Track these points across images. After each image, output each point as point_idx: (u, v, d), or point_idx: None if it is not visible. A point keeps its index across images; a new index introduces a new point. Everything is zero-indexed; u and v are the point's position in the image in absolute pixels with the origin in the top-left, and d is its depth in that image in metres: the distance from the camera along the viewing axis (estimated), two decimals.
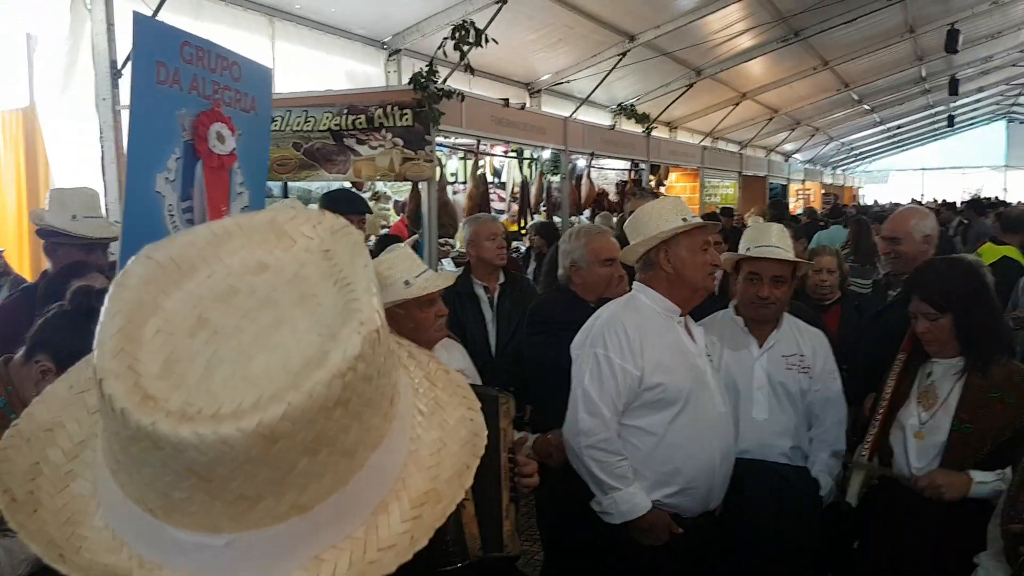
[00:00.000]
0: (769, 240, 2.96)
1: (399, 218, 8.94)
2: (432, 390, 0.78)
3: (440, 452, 0.72)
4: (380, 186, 9.43)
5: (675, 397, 2.56)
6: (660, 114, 12.84)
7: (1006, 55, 18.18)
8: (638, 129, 12.39)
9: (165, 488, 0.60)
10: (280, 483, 0.60)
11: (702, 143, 15.73)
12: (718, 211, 12.15)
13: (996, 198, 16.56)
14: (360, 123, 6.61)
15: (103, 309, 0.63)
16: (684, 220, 2.63)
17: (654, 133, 12.87)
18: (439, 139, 7.33)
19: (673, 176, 15.40)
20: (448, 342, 2.86)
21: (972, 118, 28.68)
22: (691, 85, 12.43)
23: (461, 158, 10.10)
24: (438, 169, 7.61)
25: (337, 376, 0.60)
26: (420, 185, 7.26)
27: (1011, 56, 18.48)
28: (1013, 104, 28.12)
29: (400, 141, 6.74)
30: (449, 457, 0.72)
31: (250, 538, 0.61)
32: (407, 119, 6.78)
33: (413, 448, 0.71)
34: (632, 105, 12.12)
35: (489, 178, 9.95)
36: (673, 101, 12.71)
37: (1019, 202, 15.19)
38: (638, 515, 2.53)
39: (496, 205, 10.15)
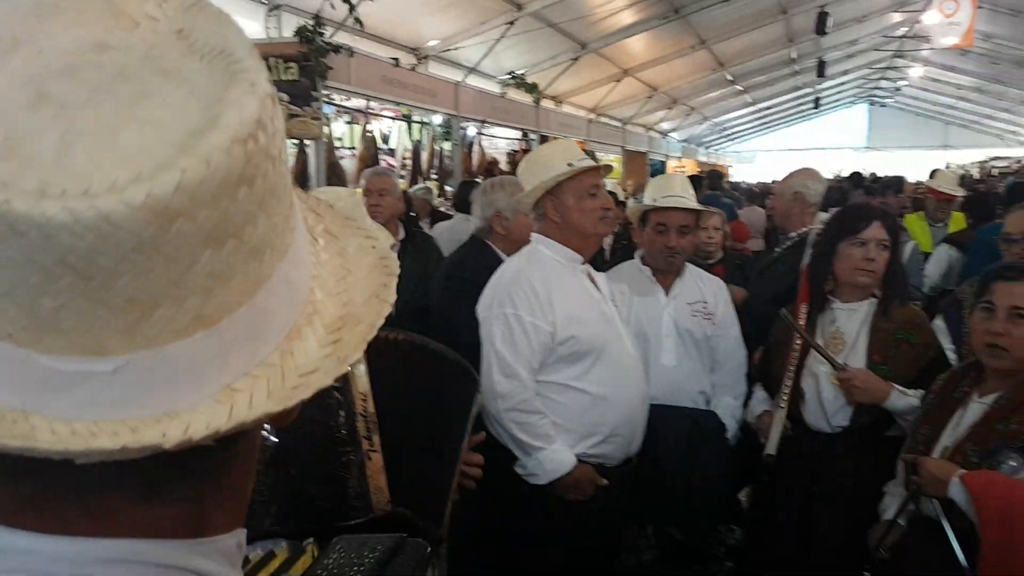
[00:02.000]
0: (674, 191, 3.04)
1: None
2: (320, 221, 0.67)
3: (346, 279, 0.62)
4: None
5: (589, 347, 2.55)
6: (548, 86, 12.94)
7: (870, 39, 19.33)
8: (528, 99, 12.44)
9: (29, 296, 0.46)
10: (179, 283, 0.47)
11: (587, 117, 15.98)
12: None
13: (873, 174, 17.85)
14: None
15: None
16: (570, 165, 2.56)
17: (543, 104, 12.97)
18: (325, 100, 7.10)
19: None
20: None
21: (837, 100, 30.41)
22: (576, 59, 12.58)
23: (348, 122, 9.84)
24: (325, 129, 7.40)
25: (236, 141, 0.48)
26: (307, 144, 7.03)
27: (874, 40, 19.65)
28: (875, 88, 29.97)
29: (284, 96, 6.50)
30: (358, 283, 0.62)
31: (146, 359, 0.48)
32: (292, 73, 6.55)
33: (315, 273, 0.61)
34: (522, 75, 12.15)
35: (378, 144, 9.74)
36: (560, 74, 12.83)
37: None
38: (564, 472, 2.49)
39: None
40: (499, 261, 3.01)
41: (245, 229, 0.50)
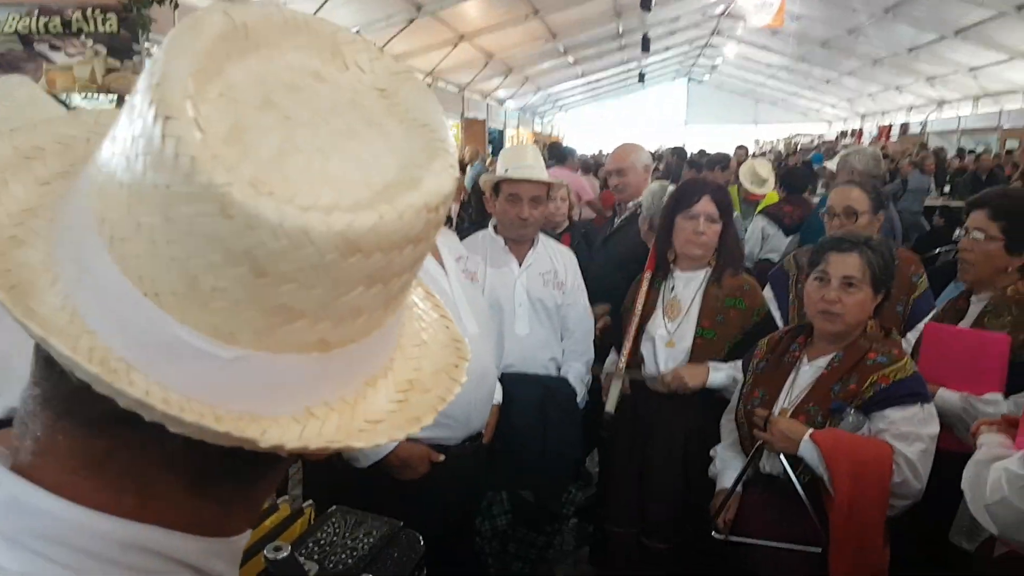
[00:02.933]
0: (526, 161, 3.06)
1: None
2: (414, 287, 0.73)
3: (420, 347, 0.66)
4: (79, 100, 8.32)
5: None
6: (382, 47, 12.63)
7: (691, 16, 20.32)
8: None
9: (199, 270, 0.48)
10: (327, 306, 0.51)
11: (425, 81, 15.80)
12: None
13: (702, 151, 18.82)
14: (54, 27, 5.77)
15: (164, 44, 0.50)
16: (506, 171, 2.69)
17: None
18: (148, 54, 6.59)
19: None
20: None
21: (659, 76, 31.83)
22: (412, 20, 12.39)
23: None
24: None
25: (427, 207, 0.52)
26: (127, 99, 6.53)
27: (694, 18, 20.68)
28: (694, 65, 31.63)
29: (103, 49, 6.01)
30: (430, 355, 0.67)
31: (263, 360, 0.51)
32: (111, 25, 6.04)
33: (401, 333, 0.65)
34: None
35: None
36: (395, 35, 12.59)
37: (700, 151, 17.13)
38: (388, 452, 2.41)
39: None
40: None
41: (392, 279, 0.54)
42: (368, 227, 0.49)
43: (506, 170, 3.04)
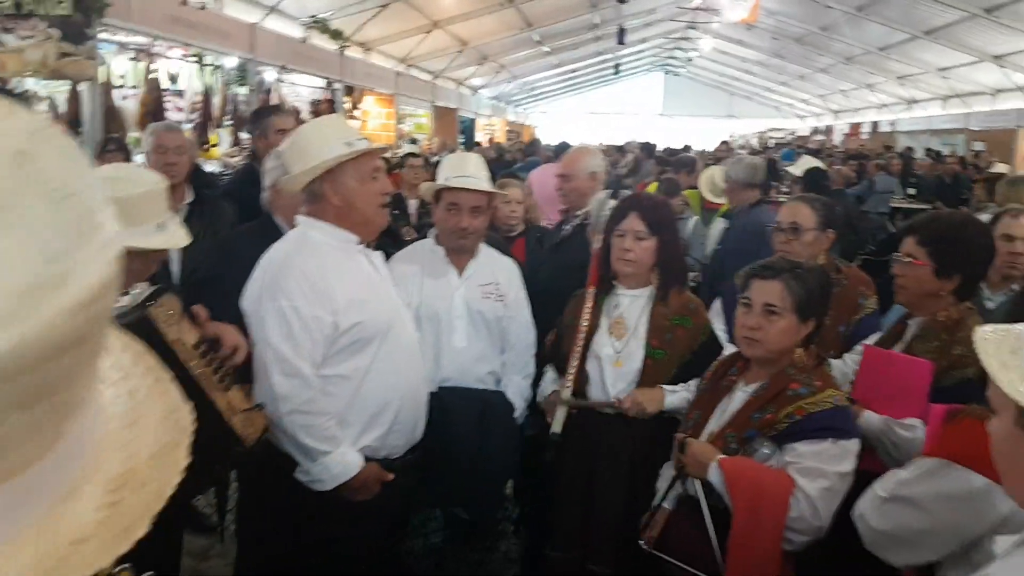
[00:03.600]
0: (467, 171, 3.01)
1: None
2: (110, 355, 0.61)
3: (132, 428, 0.58)
4: (31, 84, 8.13)
5: (375, 331, 2.43)
6: (354, 32, 12.51)
7: (667, 9, 20.30)
8: (332, 46, 11.96)
9: None
10: None
11: (396, 68, 15.66)
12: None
13: (668, 149, 18.91)
14: (5, 7, 5.62)
15: None
16: (348, 145, 2.41)
17: (348, 53, 12.53)
18: (105, 35, 6.47)
19: (370, 100, 15.21)
20: None
21: (634, 67, 31.81)
22: (385, 6, 12.25)
23: (131, 59, 9.00)
24: (102, 69, 6.74)
25: (81, 306, 0.44)
26: (80, 86, 6.39)
27: (670, 11, 20.67)
28: (669, 57, 31.64)
29: (56, 32, 5.87)
30: (145, 434, 0.58)
31: None
32: (64, 7, 5.91)
33: (103, 420, 0.56)
34: (326, 20, 11.65)
35: (165, 84, 8.99)
36: (367, 20, 12.45)
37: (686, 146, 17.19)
38: (352, 475, 2.39)
39: (173, 115, 9.23)
40: (277, 236, 2.71)
41: (59, 392, 0.46)
42: (6, 352, 0.42)
43: (446, 179, 2.99)
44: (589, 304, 2.90)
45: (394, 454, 2.53)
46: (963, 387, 2.21)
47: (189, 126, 9.00)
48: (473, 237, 3.00)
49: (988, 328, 1.17)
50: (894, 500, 1.86)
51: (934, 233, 2.55)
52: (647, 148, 10.98)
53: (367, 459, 2.45)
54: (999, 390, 1.09)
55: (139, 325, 1.75)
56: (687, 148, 16.19)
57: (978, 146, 17.38)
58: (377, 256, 2.63)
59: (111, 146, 5.57)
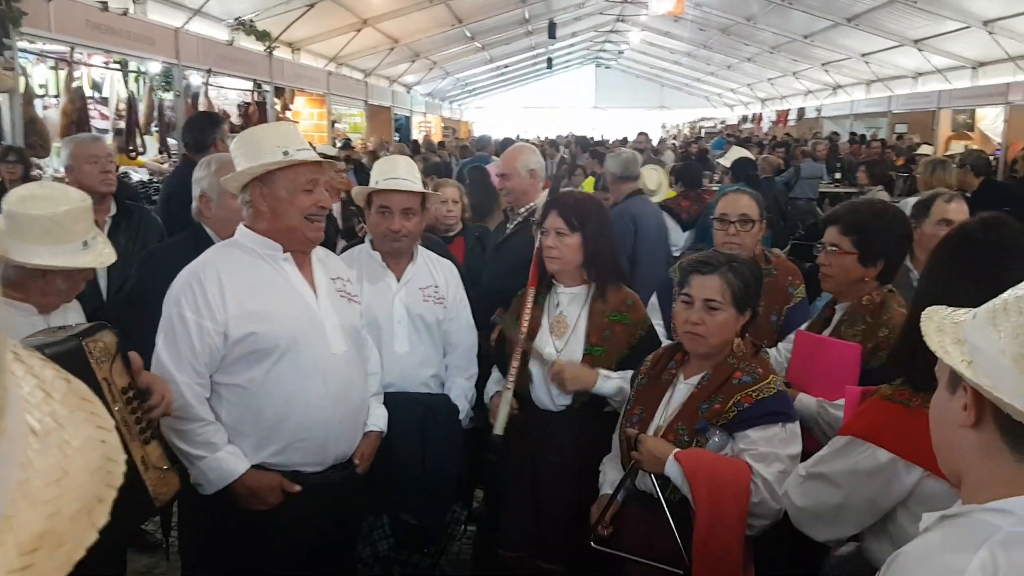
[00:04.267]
0: (397, 173, 2.97)
1: None
2: (48, 403, 0.58)
3: (60, 482, 0.54)
4: None
5: (272, 345, 2.35)
6: (281, 33, 12.29)
7: (596, 3, 20.44)
8: (260, 47, 11.75)
9: None
10: None
11: (327, 67, 15.45)
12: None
13: (602, 141, 18.98)
14: None
15: None
16: (285, 153, 2.34)
17: (277, 54, 12.32)
18: (23, 44, 6.24)
19: (301, 101, 14.99)
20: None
21: (567, 61, 31.97)
22: (312, 5, 12.06)
23: (52, 67, 8.68)
24: (22, 79, 6.50)
25: None
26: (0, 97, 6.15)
27: (599, 4, 20.83)
28: (600, 50, 31.89)
29: None
30: (73, 488, 0.54)
31: None
32: None
33: (23, 477, 0.53)
34: (251, 21, 11.42)
35: (88, 92, 8.70)
36: (294, 20, 12.24)
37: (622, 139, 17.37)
38: (231, 480, 2.34)
39: (98, 123, 8.96)
40: (208, 247, 2.67)
41: None
42: None
43: (377, 182, 2.97)
44: (529, 303, 2.92)
45: (308, 469, 2.46)
46: (889, 368, 2.30)
47: (113, 135, 8.75)
48: (407, 239, 2.97)
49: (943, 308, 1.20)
50: (811, 478, 1.96)
51: (856, 222, 2.63)
52: (581, 142, 11.03)
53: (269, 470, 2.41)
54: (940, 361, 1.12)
55: (69, 356, 1.71)
56: (624, 141, 16.37)
57: (901, 128, 17.95)
58: (321, 267, 2.58)
59: (11, 156, 5.43)
